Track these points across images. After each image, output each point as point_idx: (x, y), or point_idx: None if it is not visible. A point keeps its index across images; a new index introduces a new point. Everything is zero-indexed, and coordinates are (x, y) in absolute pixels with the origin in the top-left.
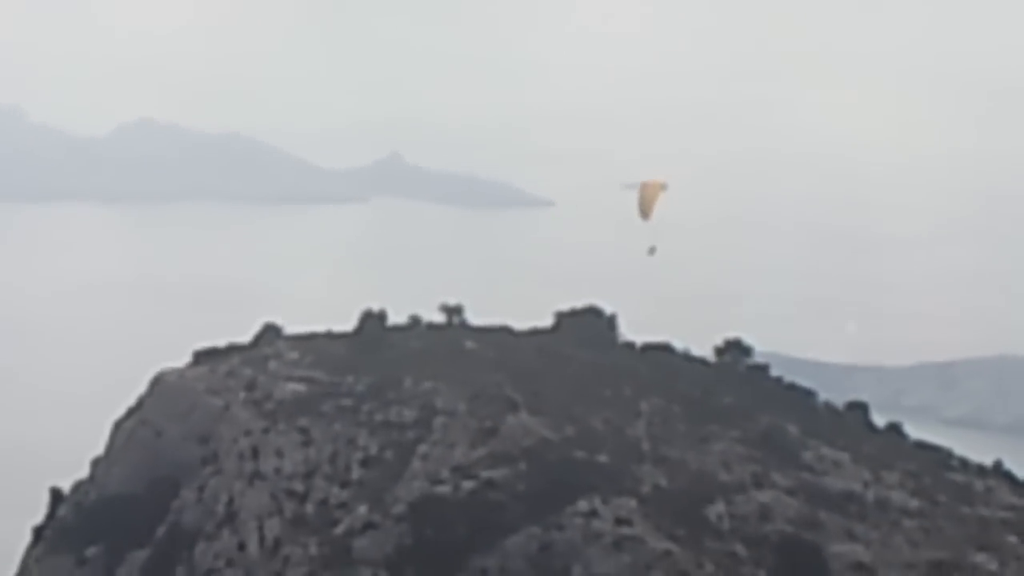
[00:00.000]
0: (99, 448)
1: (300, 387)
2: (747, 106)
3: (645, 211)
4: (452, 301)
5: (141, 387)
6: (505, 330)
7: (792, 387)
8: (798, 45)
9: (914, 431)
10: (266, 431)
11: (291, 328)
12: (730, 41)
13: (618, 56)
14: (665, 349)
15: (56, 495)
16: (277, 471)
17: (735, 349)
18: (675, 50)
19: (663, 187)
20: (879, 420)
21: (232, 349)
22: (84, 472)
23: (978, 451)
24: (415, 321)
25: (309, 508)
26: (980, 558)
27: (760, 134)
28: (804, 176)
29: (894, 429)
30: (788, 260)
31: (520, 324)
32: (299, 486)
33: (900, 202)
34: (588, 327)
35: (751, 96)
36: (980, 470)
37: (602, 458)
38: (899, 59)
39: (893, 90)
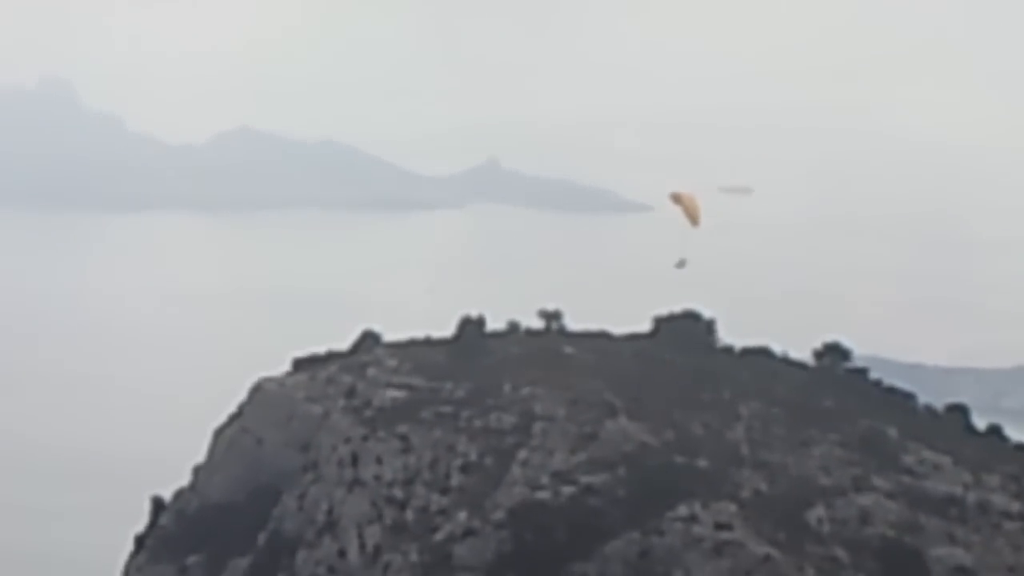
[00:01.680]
0: (200, 456)
1: (399, 394)
2: (843, 107)
3: (694, 219)
4: (550, 306)
5: (241, 395)
6: (604, 335)
7: (891, 390)
8: (893, 44)
9: (1014, 433)
10: (366, 438)
11: (390, 335)
12: (825, 42)
13: (714, 60)
14: (764, 353)
15: (157, 503)
16: (377, 478)
17: (834, 352)
18: (772, 53)
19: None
20: (979, 422)
21: (331, 356)
22: (185, 480)
23: None
24: (514, 327)
25: (409, 515)
26: None
27: (857, 135)
28: (902, 177)
29: (994, 432)
30: (886, 262)
31: (618, 329)
32: (399, 493)
33: (1000, 203)
34: (686, 332)
35: (847, 97)
36: None
37: (702, 463)
38: (995, 57)
39: (989, 88)
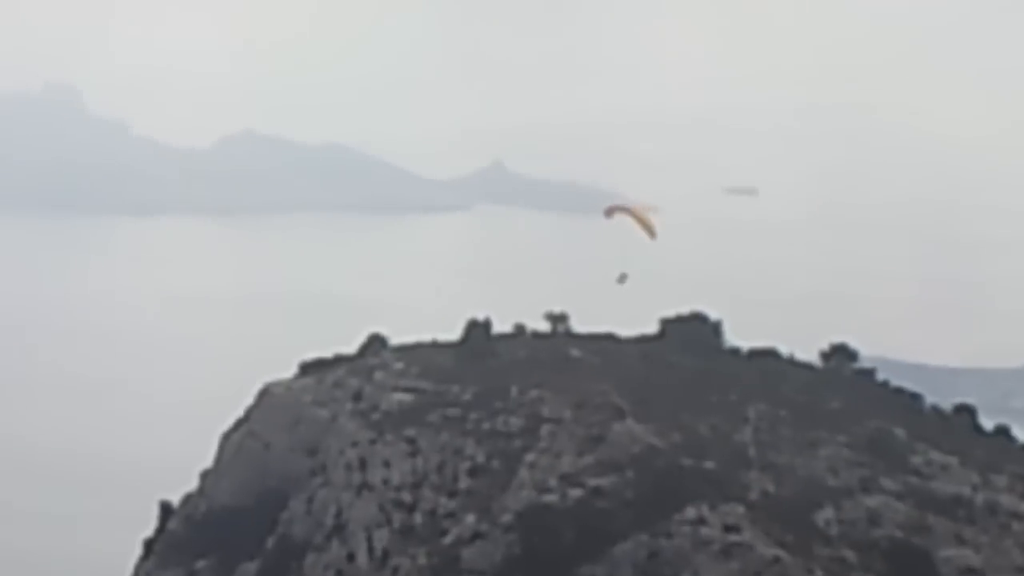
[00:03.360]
0: (208, 461)
1: (406, 397)
2: (851, 109)
3: (650, 230)
4: (557, 309)
5: (248, 399)
6: (610, 338)
7: (899, 391)
8: (901, 45)
9: (1022, 434)
10: (373, 442)
11: (397, 338)
12: (834, 43)
13: (720, 62)
14: (771, 354)
15: (166, 508)
16: (385, 482)
17: (841, 354)
18: (779, 54)
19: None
20: (987, 423)
21: (338, 360)
22: (193, 485)
23: None
24: (520, 330)
25: (417, 518)
26: None
27: (864, 136)
28: (910, 178)
29: (1002, 432)
30: (893, 263)
31: (625, 331)
32: (407, 496)
33: (1008, 204)
34: (693, 333)
35: (853, 98)
36: None
37: (709, 465)
38: (1005, 57)
39: (998, 89)
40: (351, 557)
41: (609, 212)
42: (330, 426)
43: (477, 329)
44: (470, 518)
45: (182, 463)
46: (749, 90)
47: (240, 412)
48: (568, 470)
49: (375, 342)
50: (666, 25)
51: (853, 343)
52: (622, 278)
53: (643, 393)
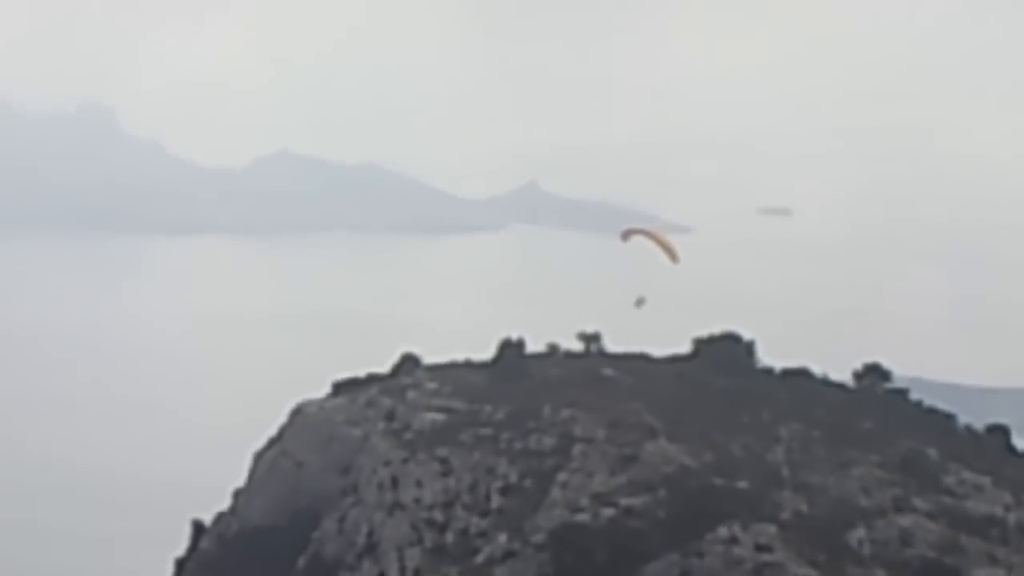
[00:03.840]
0: (240, 479)
1: (439, 416)
2: (888, 130)
3: (672, 254)
4: (590, 328)
5: (281, 418)
6: (643, 357)
7: (932, 411)
8: (937, 67)
9: None
10: (405, 461)
11: (430, 358)
12: (870, 64)
13: (756, 83)
14: (803, 374)
15: (198, 527)
16: (417, 501)
17: (874, 373)
18: (814, 75)
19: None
20: (1020, 443)
21: (371, 379)
22: (225, 504)
23: None
24: (553, 349)
25: (449, 537)
26: None
27: (898, 157)
28: (944, 199)
29: None
30: (926, 283)
31: (658, 351)
32: (439, 516)
33: None
34: (726, 353)
35: (892, 120)
36: None
37: (742, 484)
38: None
39: None
40: None
41: (626, 235)
42: (362, 445)
43: (510, 348)
44: (502, 537)
45: (215, 482)
46: (784, 111)
47: (273, 431)
48: (600, 489)
49: (408, 361)
50: (702, 46)
51: (886, 363)
52: (640, 302)
53: (676, 413)
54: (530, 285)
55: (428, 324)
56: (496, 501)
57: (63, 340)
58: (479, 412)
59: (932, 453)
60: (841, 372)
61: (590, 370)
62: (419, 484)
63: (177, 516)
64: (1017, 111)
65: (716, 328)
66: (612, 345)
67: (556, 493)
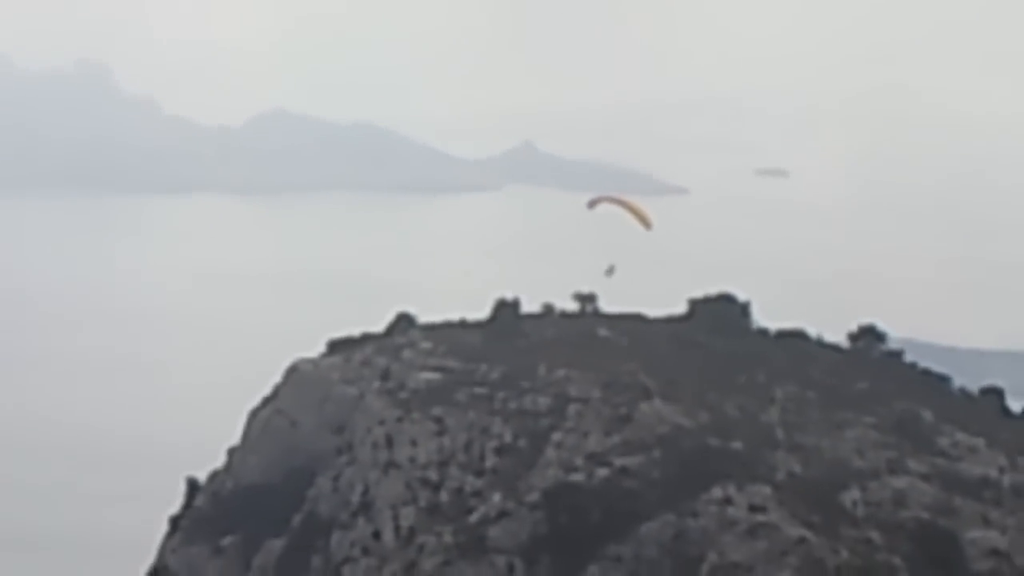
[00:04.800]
0: (235, 438)
1: (434, 376)
2: (883, 91)
3: (645, 221)
4: (585, 289)
5: (276, 377)
6: (638, 318)
7: (927, 373)
8: (938, 26)
9: None
10: (400, 420)
11: (425, 318)
12: (868, 24)
13: (754, 44)
14: (799, 336)
15: (193, 485)
16: (411, 460)
17: (869, 335)
18: (815, 37)
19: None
20: (1014, 405)
21: (366, 339)
22: (220, 462)
23: None
24: (548, 310)
25: (443, 497)
26: None
27: (898, 118)
28: (944, 161)
29: None
30: (923, 245)
31: (653, 312)
32: (433, 475)
33: None
34: (721, 314)
35: (889, 80)
36: None
37: (736, 445)
38: None
39: None
40: (377, 535)
41: (593, 204)
42: (357, 404)
43: (505, 309)
44: (496, 497)
45: (210, 440)
46: (782, 71)
47: (268, 390)
48: (595, 449)
49: (403, 321)
50: (699, 7)
51: (881, 325)
52: (610, 271)
53: (671, 373)
54: (526, 246)
55: (423, 284)
56: (490, 460)
57: (60, 299)
58: (474, 372)
59: (927, 415)
60: (836, 334)
61: (585, 330)
62: (414, 443)
63: (172, 474)
64: (1018, 73)
65: (712, 289)
66: (607, 306)
67: (551, 453)
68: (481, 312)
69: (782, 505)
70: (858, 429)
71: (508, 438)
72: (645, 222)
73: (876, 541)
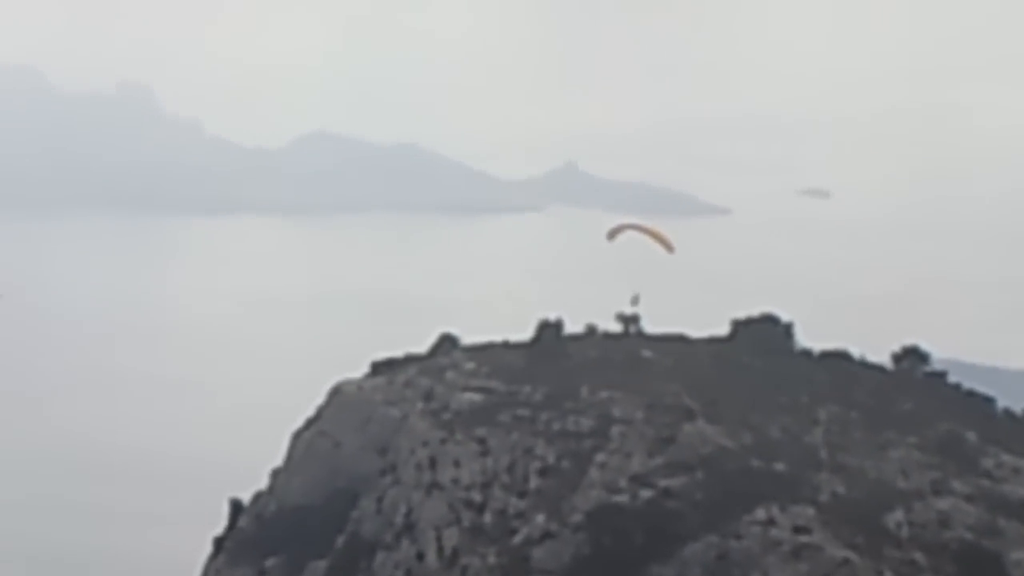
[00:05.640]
0: (278, 459)
1: (477, 397)
2: (937, 110)
3: (668, 245)
4: (628, 310)
5: (319, 398)
6: (681, 339)
7: (971, 394)
8: (993, 47)
9: None
10: (443, 441)
11: (468, 338)
12: (915, 44)
13: (796, 64)
14: (842, 356)
15: (236, 506)
16: (455, 481)
17: (913, 356)
18: (863, 55)
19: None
20: None
21: (409, 360)
22: (264, 483)
23: None
24: (591, 330)
25: (487, 518)
26: None
27: (951, 139)
28: (987, 181)
29: None
30: (967, 265)
31: (696, 333)
32: (477, 496)
33: None
34: (765, 335)
35: (941, 100)
36: None
37: (780, 466)
38: None
39: None
40: (420, 556)
41: (613, 234)
42: (400, 425)
43: (548, 329)
44: (540, 518)
45: (253, 461)
46: (824, 91)
47: (311, 411)
48: (638, 471)
49: (446, 342)
50: (744, 28)
51: (925, 345)
52: (635, 300)
53: (714, 394)
54: (568, 266)
55: (466, 304)
56: (534, 482)
57: (101, 320)
58: (517, 393)
59: (971, 436)
60: (880, 354)
61: (628, 351)
62: (457, 464)
63: (215, 495)
64: None
65: (754, 310)
66: (650, 327)
67: (594, 474)
68: (524, 333)
69: (826, 526)
70: (902, 450)
71: (551, 459)
72: (668, 246)
73: (920, 562)
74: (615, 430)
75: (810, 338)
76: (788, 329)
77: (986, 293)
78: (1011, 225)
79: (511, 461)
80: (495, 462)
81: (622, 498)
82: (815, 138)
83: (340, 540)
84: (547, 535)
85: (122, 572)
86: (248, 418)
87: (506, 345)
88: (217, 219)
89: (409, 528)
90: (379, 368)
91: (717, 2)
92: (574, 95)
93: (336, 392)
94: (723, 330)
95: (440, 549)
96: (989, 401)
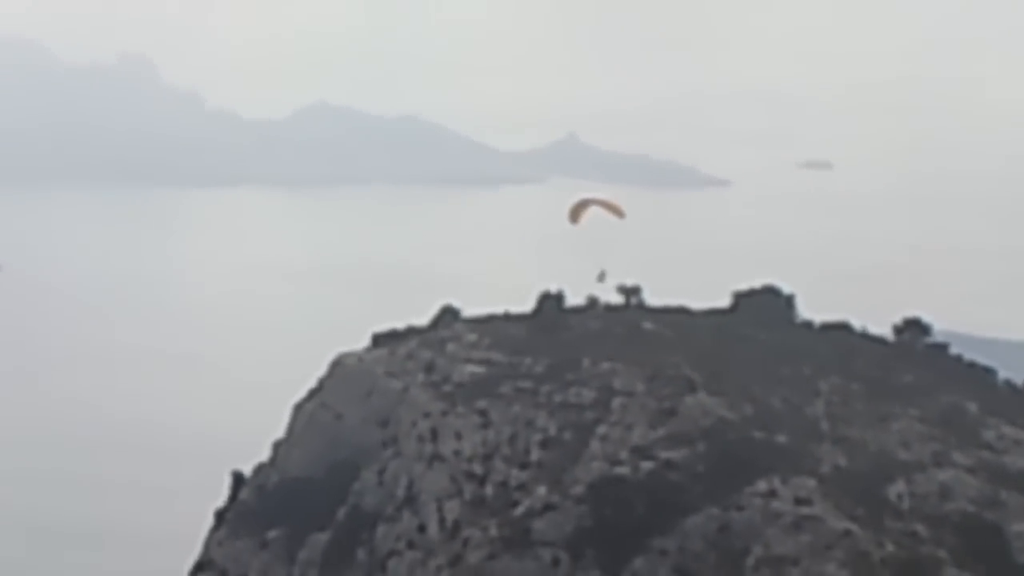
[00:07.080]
0: (280, 431)
1: (478, 369)
2: (937, 83)
3: (618, 211)
4: (629, 282)
5: (321, 370)
6: (683, 311)
7: (972, 365)
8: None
9: None
10: (445, 413)
11: (469, 310)
12: (916, 17)
13: (802, 35)
14: (843, 328)
15: (238, 478)
16: (456, 453)
17: (914, 328)
18: (864, 28)
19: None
20: None
21: (411, 332)
22: (265, 455)
23: None
24: (593, 302)
25: (488, 490)
26: None
27: (951, 110)
28: (997, 152)
29: None
30: (968, 237)
31: (697, 304)
32: (478, 468)
33: None
34: (766, 307)
35: (942, 72)
36: None
37: (781, 438)
38: None
39: None
40: (422, 528)
41: (575, 216)
42: (402, 397)
43: (549, 301)
44: (541, 490)
45: (254, 434)
46: (826, 65)
47: (312, 383)
48: (640, 442)
49: (447, 314)
50: (746, 1)
51: (926, 317)
52: (601, 276)
53: (715, 366)
54: (569, 238)
55: (467, 276)
56: (535, 454)
57: (103, 291)
58: (518, 365)
59: (972, 407)
60: (881, 326)
61: (630, 323)
62: (458, 436)
63: (217, 467)
64: None
65: (755, 281)
66: (652, 298)
67: (595, 446)
68: (525, 305)
69: (827, 498)
70: (903, 422)
71: (553, 431)
72: (619, 213)
73: (921, 534)
74: (616, 402)
75: (811, 310)
76: (789, 301)
77: (988, 265)
78: (1013, 196)
79: (512, 433)
80: (496, 434)
81: (623, 470)
82: (816, 110)
83: (341, 512)
84: (548, 507)
85: (122, 544)
86: (249, 390)
87: (507, 317)
88: (218, 191)
89: (410, 500)
90: (380, 340)
91: None
92: (576, 67)
93: (337, 364)
94: (724, 302)
95: (442, 521)
96: (990, 373)
